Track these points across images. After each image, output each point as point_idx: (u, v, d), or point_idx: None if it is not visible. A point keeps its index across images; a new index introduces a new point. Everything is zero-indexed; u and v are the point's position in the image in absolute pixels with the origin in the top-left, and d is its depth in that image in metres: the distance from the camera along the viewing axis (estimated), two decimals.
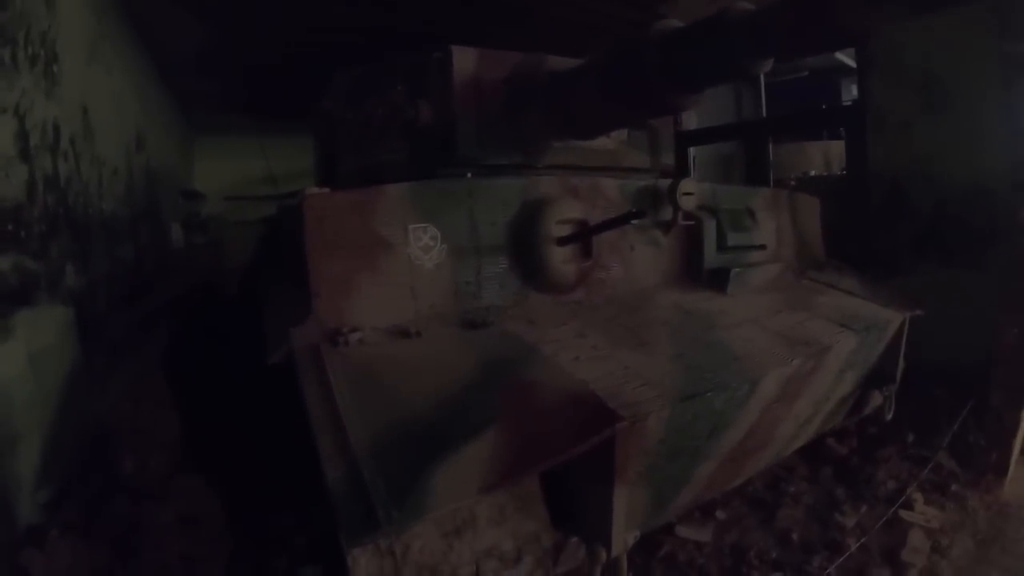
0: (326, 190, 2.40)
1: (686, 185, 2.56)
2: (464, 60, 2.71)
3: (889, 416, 3.12)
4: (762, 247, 3.06)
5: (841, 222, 3.90)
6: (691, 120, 6.94)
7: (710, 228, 2.80)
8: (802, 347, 2.29)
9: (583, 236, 2.30)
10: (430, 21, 5.34)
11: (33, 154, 2.82)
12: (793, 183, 6.32)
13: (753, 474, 2.79)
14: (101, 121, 4.05)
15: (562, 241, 2.26)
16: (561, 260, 2.29)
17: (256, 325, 3.97)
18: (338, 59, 3.72)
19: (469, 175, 2.61)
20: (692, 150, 6.84)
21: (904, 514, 2.79)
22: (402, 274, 2.02)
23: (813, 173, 7.38)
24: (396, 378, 1.64)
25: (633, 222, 2.23)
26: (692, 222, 2.74)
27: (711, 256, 2.81)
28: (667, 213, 2.64)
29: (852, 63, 7.07)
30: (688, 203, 2.58)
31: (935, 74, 3.90)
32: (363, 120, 3.12)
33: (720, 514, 2.82)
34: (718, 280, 2.74)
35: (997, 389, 3.26)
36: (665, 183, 2.66)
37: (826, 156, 7.94)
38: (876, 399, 3.07)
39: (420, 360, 1.74)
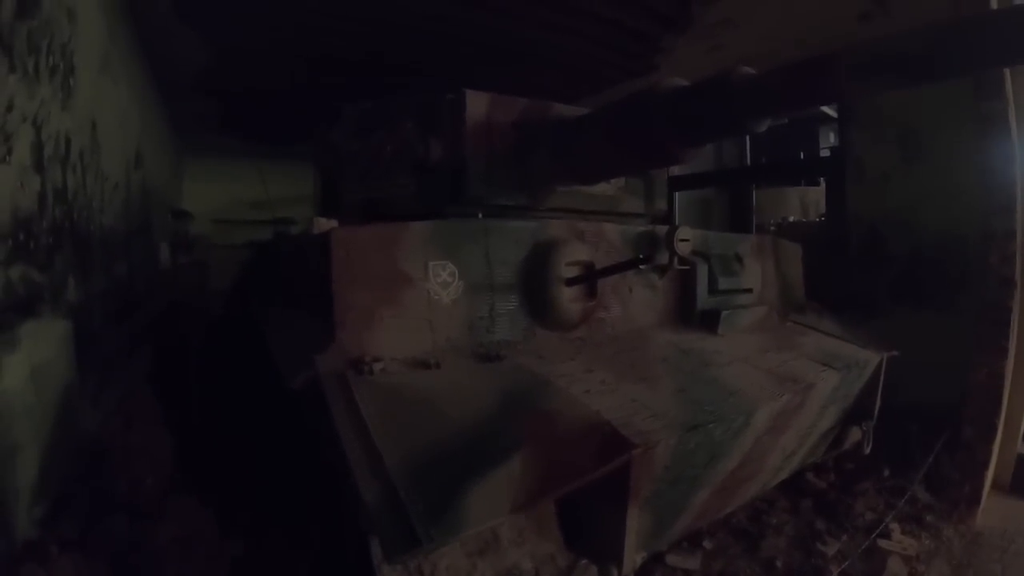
0: (333, 222, 2.49)
1: (683, 232, 2.70)
2: (476, 103, 2.84)
3: (867, 450, 3.28)
4: (749, 291, 3.23)
5: (820, 266, 4.11)
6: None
7: (702, 272, 2.96)
8: (790, 383, 2.45)
9: (591, 278, 2.43)
10: (432, 60, 5.50)
11: (46, 166, 2.86)
12: (773, 228, 6.55)
13: (739, 504, 2.92)
14: (107, 136, 4.11)
15: (570, 282, 2.39)
16: (568, 299, 2.41)
17: (248, 347, 4.02)
18: (341, 91, 3.82)
19: (480, 215, 2.74)
20: (676, 195, 7.07)
21: (882, 543, 2.94)
22: (421, 307, 2.12)
23: (792, 219, 7.63)
24: (422, 405, 1.74)
25: (642, 266, 2.37)
26: (686, 266, 2.88)
27: (703, 298, 2.96)
28: (663, 257, 2.76)
29: (831, 112, 7.41)
30: (684, 249, 2.71)
31: (913, 127, 4.15)
32: (371, 153, 3.21)
33: (707, 543, 2.92)
34: (709, 321, 2.90)
35: (969, 425, 3.45)
36: (661, 229, 2.80)
37: (803, 202, 8.22)
38: (855, 434, 3.23)
39: (443, 389, 1.84)
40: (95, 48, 3.84)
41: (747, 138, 7.94)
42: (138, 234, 5.41)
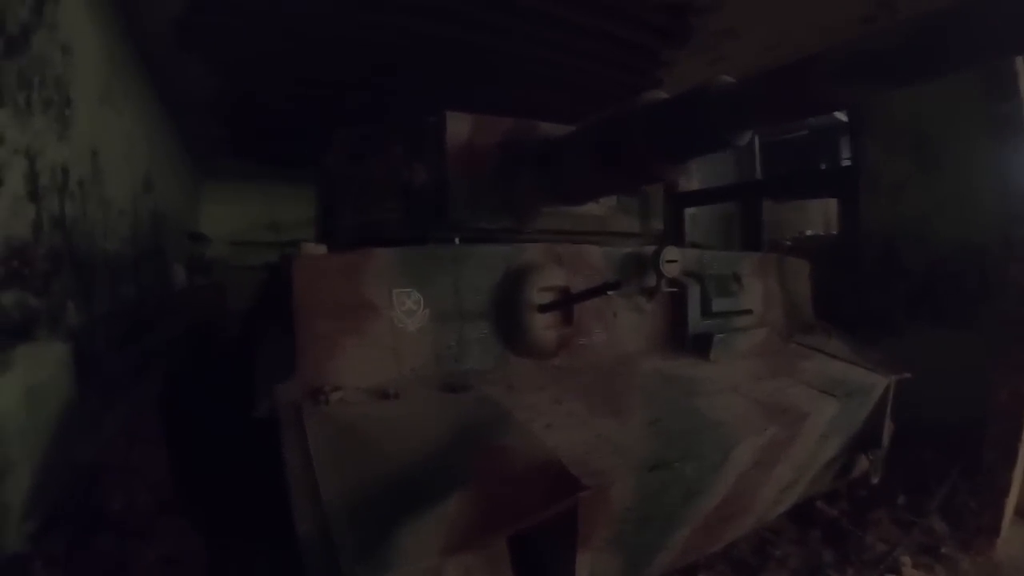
0: (322, 247, 2.46)
1: (669, 252, 2.60)
2: (458, 125, 2.81)
3: (875, 480, 3.11)
4: (748, 312, 3.09)
5: (832, 282, 3.95)
6: (691, 181, 7.04)
7: (694, 294, 2.84)
8: (779, 415, 2.31)
9: (563, 304, 2.35)
10: (427, 83, 5.51)
11: (41, 195, 2.90)
12: (788, 243, 6.38)
13: (734, 538, 2.77)
14: (110, 163, 4.17)
15: (543, 308, 2.32)
16: (542, 326, 2.33)
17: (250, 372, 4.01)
18: (344, 115, 3.82)
19: (457, 240, 2.68)
20: (689, 211, 6.96)
21: None
22: (385, 336, 2.06)
23: (809, 233, 7.44)
24: (372, 438, 1.68)
25: (610, 292, 2.29)
26: (675, 288, 2.77)
27: (695, 322, 2.84)
28: (651, 279, 2.67)
29: None
30: (672, 270, 2.61)
31: (926, 134, 4.00)
32: (363, 178, 3.21)
33: None
34: (702, 346, 2.77)
35: (989, 449, 3.23)
36: (649, 250, 2.70)
37: (826, 215, 8.00)
38: (863, 463, 3.07)
39: (396, 421, 1.79)
40: (95, 79, 3.91)
41: (756, 152, 7.78)
42: (149, 257, 5.48)
